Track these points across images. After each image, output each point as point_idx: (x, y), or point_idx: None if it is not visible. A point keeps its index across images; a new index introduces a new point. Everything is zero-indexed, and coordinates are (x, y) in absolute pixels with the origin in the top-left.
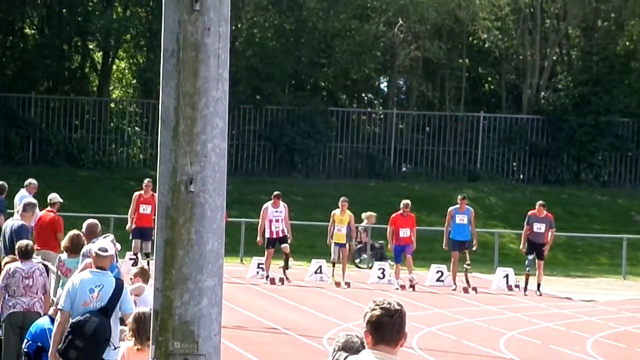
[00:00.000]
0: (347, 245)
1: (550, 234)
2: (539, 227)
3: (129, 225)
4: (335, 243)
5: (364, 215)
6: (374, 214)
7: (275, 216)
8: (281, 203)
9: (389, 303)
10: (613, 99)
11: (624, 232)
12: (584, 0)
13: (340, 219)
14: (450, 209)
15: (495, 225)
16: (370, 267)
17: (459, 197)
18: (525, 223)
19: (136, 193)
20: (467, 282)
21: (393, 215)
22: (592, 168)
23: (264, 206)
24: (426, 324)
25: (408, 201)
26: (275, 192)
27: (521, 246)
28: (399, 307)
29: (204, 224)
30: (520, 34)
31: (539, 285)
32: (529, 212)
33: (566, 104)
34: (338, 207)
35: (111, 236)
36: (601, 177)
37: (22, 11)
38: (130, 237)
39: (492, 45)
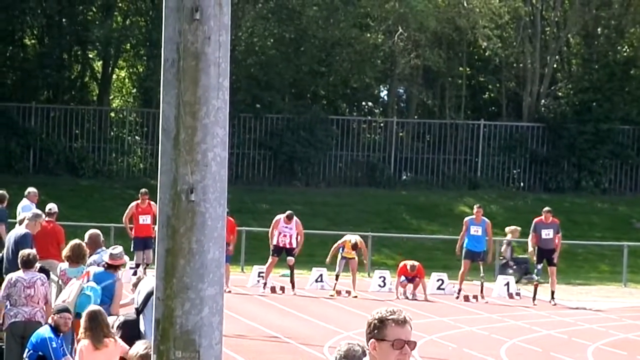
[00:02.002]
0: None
1: (558, 239)
2: (547, 233)
3: (129, 233)
4: (343, 257)
5: (507, 229)
6: (518, 228)
7: (284, 231)
8: (294, 220)
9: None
10: (613, 107)
11: (624, 239)
12: (584, 8)
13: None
14: (466, 219)
15: (496, 233)
16: (517, 282)
17: (475, 207)
18: (531, 231)
19: (133, 203)
20: (482, 292)
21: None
22: (593, 175)
23: (277, 218)
24: (427, 332)
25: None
26: (288, 212)
27: (529, 254)
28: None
29: (204, 233)
30: (521, 42)
31: (552, 293)
32: (535, 220)
33: (566, 111)
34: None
35: (120, 248)
36: (602, 185)
37: (22, 21)
38: (132, 249)
39: (492, 53)
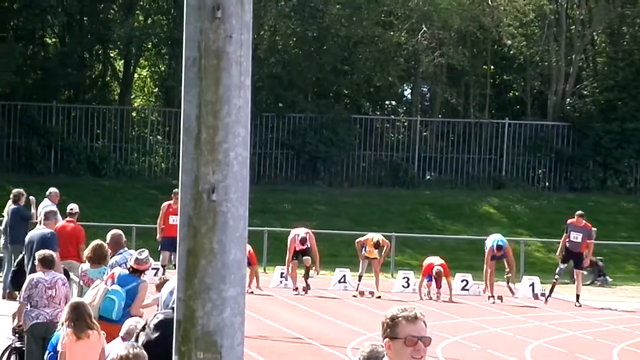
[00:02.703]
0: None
1: (589, 245)
2: (576, 237)
3: (158, 236)
4: (365, 257)
5: None
6: (594, 229)
7: (300, 240)
8: (309, 236)
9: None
10: (639, 106)
11: None
12: (609, 6)
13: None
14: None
15: (520, 233)
16: (590, 284)
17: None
18: (564, 231)
19: (165, 203)
20: (510, 289)
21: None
22: (618, 175)
23: (291, 235)
24: (451, 333)
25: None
26: (301, 237)
27: (557, 253)
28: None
29: (226, 233)
30: (545, 40)
31: (577, 296)
32: (568, 221)
33: (592, 110)
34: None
35: (146, 252)
36: (627, 184)
37: (43, 20)
38: (159, 248)
39: (516, 52)
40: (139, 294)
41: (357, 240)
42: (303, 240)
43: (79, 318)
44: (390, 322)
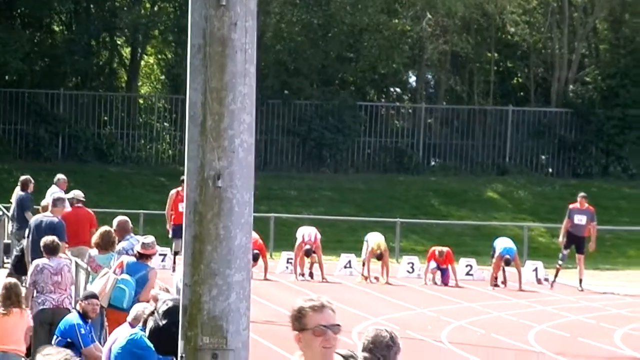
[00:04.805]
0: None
1: (592, 227)
2: (580, 219)
3: (168, 224)
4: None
5: None
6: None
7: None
8: (316, 243)
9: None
10: None
11: None
12: None
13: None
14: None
15: (524, 218)
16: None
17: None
18: (566, 216)
19: (173, 191)
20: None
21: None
22: (621, 161)
23: (299, 238)
24: (455, 317)
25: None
26: (306, 249)
27: (560, 238)
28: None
29: (232, 219)
30: (549, 28)
31: (580, 280)
32: (570, 205)
33: (594, 97)
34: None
35: (152, 237)
36: (629, 170)
37: (50, 7)
38: (170, 236)
39: (520, 39)
40: (150, 280)
41: (364, 259)
42: (308, 250)
43: (8, 297)
44: (297, 314)
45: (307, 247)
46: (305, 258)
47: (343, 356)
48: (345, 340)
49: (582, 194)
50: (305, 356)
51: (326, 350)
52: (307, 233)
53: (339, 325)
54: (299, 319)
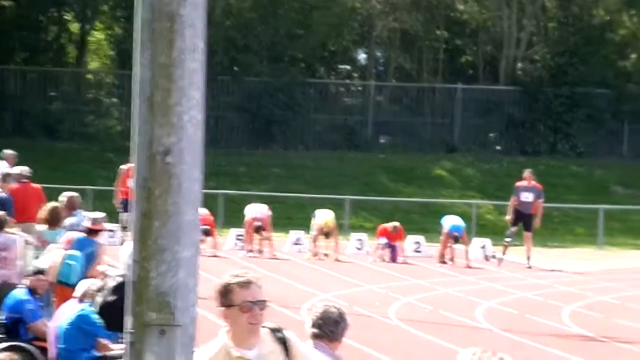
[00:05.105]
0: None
1: (539, 205)
2: (527, 197)
3: (115, 199)
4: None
5: None
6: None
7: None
8: (265, 220)
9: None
10: (589, 70)
11: (599, 202)
12: None
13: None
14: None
15: (472, 196)
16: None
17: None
18: (513, 194)
19: (123, 166)
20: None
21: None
22: (569, 139)
23: (248, 216)
24: (404, 294)
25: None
26: (257, 225)
27: (507, 216)
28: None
29: (181, 195)
30: (497, 6)
31: (528, 258)
32: (516, 183)
33: (543, 75)
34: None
35: (102, 213)
36: (577, 148)
37: None
38: (120, 210)
39: (469, 17)
40: (98, 257)
41: (312, 236)
42: (258, 227)
43: None
44: (223, 290)
45: (257, 223)
46: (255, 234)
47: (270, 329)
48: (294, 317)
49: (528, 170)
50: (232, 332)
51: (252, 326)
52: (256, 210)
53: (265, 301)
54: (225, 295)
